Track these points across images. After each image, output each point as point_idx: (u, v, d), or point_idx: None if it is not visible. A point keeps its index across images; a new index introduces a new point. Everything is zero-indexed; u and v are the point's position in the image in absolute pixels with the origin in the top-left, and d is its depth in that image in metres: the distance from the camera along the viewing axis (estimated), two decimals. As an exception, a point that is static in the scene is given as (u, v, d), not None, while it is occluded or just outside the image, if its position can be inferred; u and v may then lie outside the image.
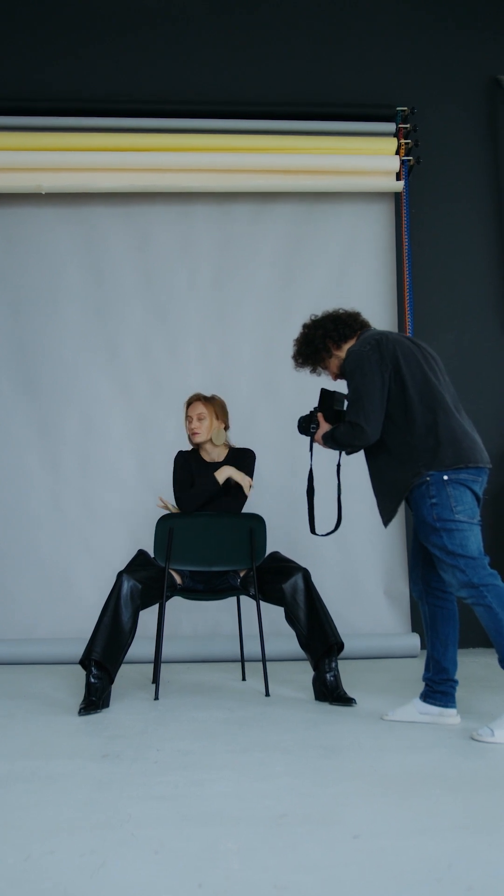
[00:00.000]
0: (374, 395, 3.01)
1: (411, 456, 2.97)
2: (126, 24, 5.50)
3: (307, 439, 3.43)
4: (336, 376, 3.36)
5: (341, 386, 3.38)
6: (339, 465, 3.40)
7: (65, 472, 5.08)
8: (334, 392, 3.34)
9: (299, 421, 3.37)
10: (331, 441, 3.18)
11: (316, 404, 3.38)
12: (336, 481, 3.41)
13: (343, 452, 3.28)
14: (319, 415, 3.32)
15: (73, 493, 5.07)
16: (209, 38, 5.52)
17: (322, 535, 3.46)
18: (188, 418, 3.93)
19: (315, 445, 3.38)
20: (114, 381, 5.18)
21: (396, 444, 3.02)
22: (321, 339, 3.28)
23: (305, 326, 3.37)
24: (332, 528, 3.43)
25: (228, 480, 3.81)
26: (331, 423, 3.27)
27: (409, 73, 5.58)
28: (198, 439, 3.90)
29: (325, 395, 3.35)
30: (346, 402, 3.22)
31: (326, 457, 3.47)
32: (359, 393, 3.03)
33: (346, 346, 3.25)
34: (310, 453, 3.41)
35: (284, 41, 5.56)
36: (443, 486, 2.92)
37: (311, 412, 3.35)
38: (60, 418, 5.12)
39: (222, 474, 3.79)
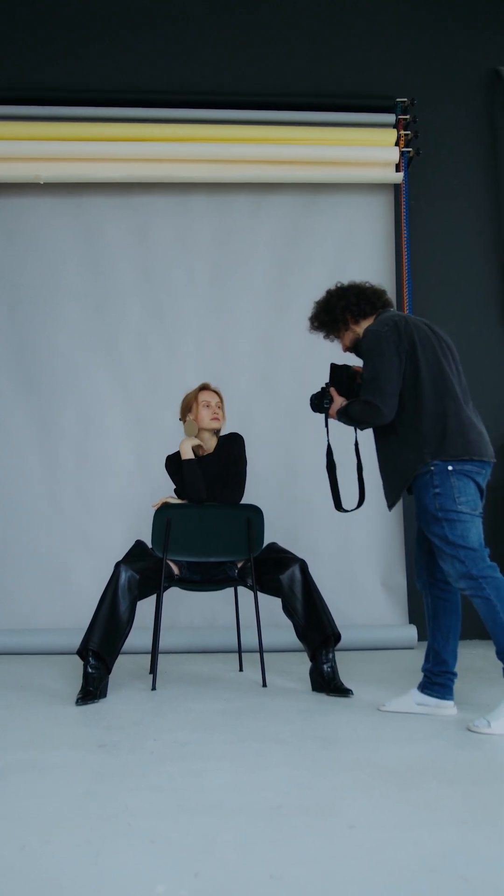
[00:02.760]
0: (391, 376, 2.99)
1: (418, 442, 2.96)
2: (126, 14, 5.48)
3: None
4: (346, 349, 3.33)
5: (349, 358, 3.36)
6: (356, 443, 3.39)
7: (63, 467, 5.08)
8: (343, 365, 3.32)
9: (311, 399, 3.33)
10: (345, 417, 3.17)
11: (326, 380, 3.36)
12: (356, 460, 3.39)
13: (357, 429, 3.28)
14: (332, 389, 3.30)
15: (71, 488, 5.07)
16: (209, 29, 5.50)
17: (348, 511, 3.43)
18: (204, 404, 3.89)
19: (330, 421, 3.35)
20: (112, 376, 5.18)
21: (404, 429, 3.01)
22: (341, 311, 3.26)
23: (329, 292, 3.33)
24: (356, 505, 3.40)
25: (227, 464, 3.80)
26: (344, 397, 3.26)
27: (409, 64, 5.56)
28: (217, 425, 3.90)
29: (335, 368, 3.33)
30: (357, 373, 3.22)
31: (335, 434, 3.46)
32: (376, 372, 3.01)
33: (364, 323, 3.22)
34: (326, 429, 3.36)
35: (284, 32, 5.53)
36: (447, 476, 2.91)
37: (322, 388, 3.32)
38: (58, 414, 5.12)
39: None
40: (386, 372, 3.00)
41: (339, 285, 3.34)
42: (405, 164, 5.36)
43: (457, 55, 5.61)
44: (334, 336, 3.35)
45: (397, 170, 5.34)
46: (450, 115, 5.55)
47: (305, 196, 5.37)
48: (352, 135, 5.30)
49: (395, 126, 5.38)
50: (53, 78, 5.36)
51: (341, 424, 3.28)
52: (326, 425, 3.37)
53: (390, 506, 3.14)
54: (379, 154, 5.28)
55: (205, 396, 3.91)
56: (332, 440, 3.40)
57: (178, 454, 3.92)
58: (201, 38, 5.49)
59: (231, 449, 3.85)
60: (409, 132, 5.37)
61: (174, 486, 3.92)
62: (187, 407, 3.94)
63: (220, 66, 5.47)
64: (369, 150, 5.29)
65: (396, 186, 5.40)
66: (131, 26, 5.46)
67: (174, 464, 3.89)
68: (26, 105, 5.23)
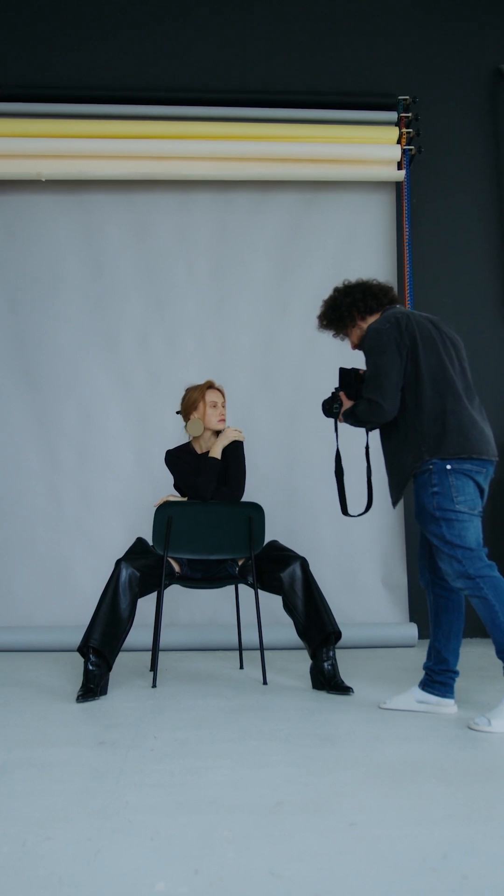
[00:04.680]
0: (391, 372, 2.99)
1: (417, 440, 2.96)
2: (128, 10, 5.47)
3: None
4: (355, 346, 3.32)
5: (359, 359, 3.36)
6: (367, 447, 3.39)
7: (63, 463, 5.08)
8: (352, 368, 3.32)
9: (322, 404, 3.33)
10: (351, 418, 3.17)
11: (336, 385, 3.36)
12: (366, 464, 3.39)
13: (366, 430, 3.28)
14: (341, 393, 3.29)
15: (71, 484, 5.07)
16: (211, 27, 5.50)
17: (355, 516, 3.43)
18: (211, 405, 3.88)
19: (341, 427, 3.35)
20: (112, 373, 5.18)
21: (405, 427, 3.01)
22: (347, 308, 3.26)
23: (336, 290, 3.34)
24: (364, 509, 3.40)
25: (226, 463, 3.79)
26: (353, 401, 3.25)
27: (411, 62, 5.56)
28: (223, 426, 3.89)
29: (344, 373, 3.32)
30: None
31: (345, 439, 3.45)
32: (377, 370, 3.02)
33: (370, 320, 3.23)
34: (335, 434, 3.38)
35: (287, 29, 5.53)
36: (445, 475, 2.91)
37: (332, 393, 3.32)
38: (59, 409, 5.12)
39: (218, 448, 3.80)
40: (386, 369, 3.00)
41: (346, 283, 3.34)
42: (407, 161, 5.36)
43: (459, 53, 5.61)
44: (343, 334, 3.35)
45: (399, 168, 5.34)
46: (452, 113, 5.55)
47: (307, 194, 5.37)
48: (354, 132, 5.29)
49: (397, 124, 5.38)
50: (55, 75, 5.36)
51: (352, 429, 3.28)
52: (336, 430, 3.37)
53: (394, 503, 3.14)
54: (381, 152, 5.28)
55: (212, 396, 3.89)
56: (343, 445, 3.40)
57: (178, 448, 3.92)
58: (203, 35, 5.49)
59: (231, 447, 3.85)
60: (410, 130, 5.36)
61: (174, 482, 3.91)
62: (193, 404, 3.90)
63: (221, 64, 5.46)
64: (371, 147, 5.28)
65: (398, 184, 5.40)
66: (134, 23, 5.46)
67: (175, 458, 3.88)
68: (28, 102, 5.23)
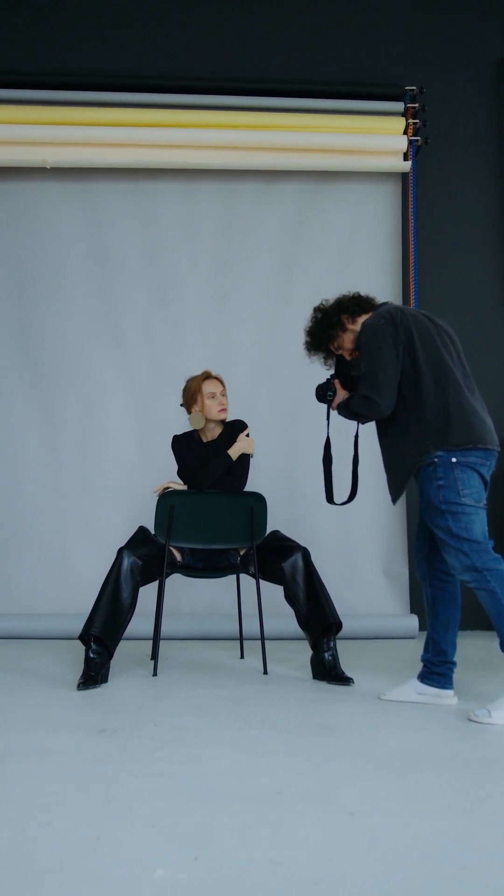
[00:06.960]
0: (387, 368, 2.98)
1: (420, 433, 2.95)
2: (134, -3, 5.45)
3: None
4: (350, 353, 3.28)
5: None
6: (356, 436, 3.36)
7: (65, 453, 5.09)
8: (351, 358, 3.31)
9: (316, 389, 3.31)
10: (346, 410, 3.16)
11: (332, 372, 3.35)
12: (353, 452, 3.36)
13: (358, 422, 3.26)
14: (336, 382, 3.28)
15: (73, 474, 5.07)
16: (217, 14, 5.47)
17: (338, 505, 3.41)
18: (210, 395, 3.86)
19: (332, 414, 3.34)
20: (115, 363, 5.18)
21: (406, 421, 3.00)
22: (335, 313, 3.24)
23: (319, 307, 3.33)
24: (347, 498, 3.37)
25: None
26: (348, 390, 3.24)
27: (417, 52, 5.53)
28: (224, 416, 3.89)
29: (341, 361, 3.31)
30: (361, 368, 3.20)
31: (339, 427, 3.44)
32: (373, 366, 3.00)
33: (361, 320, 3.21)
34: (326, 421, 3.36)
35: (293, 18, 5.50)
36: (451, 468, 2.90)
37: (327, 380, 3.30)
38: (62, 400, 5.12)
39: (235, 451, 3.79)
40: (382, 364, 2.99)
41: (325, 301, 3.33)
42: (413, 152, 5.33)
43: (466, 44, 5.57)
44: (334, 347, 3.31)
45: (405, 158, 5.32)
46: (459, 104, 5.52)
47: (312, 184, 5.35)
48: (360, 123, 5.27)
49: (404, 114, 5.35)
50: (62, 63, 5.34)
51: (343, 417, 3.27)
52: (328, 417, 3.36)
53: (394, 499, 3.12)
54: (387, 142, 5.26)
55: (209, 387, 3.88)
56: (335, 433, 3.38)
57: (186, 434, 3.92)
58: (209, 24, 5.46)
59: (236, 437, 3.84)
60: (417, 121, 5.33)
61: (177, 468, 3.90)
62: (192, 397, 3.89)
63: (228, 53, 5.44)
64: (377, 138, 5.26)
65: (404, 175, 5.38)
66: (140, 10, 5.43)
67: (182, 444, 3.87)
68: (34, 89, 5.21)
